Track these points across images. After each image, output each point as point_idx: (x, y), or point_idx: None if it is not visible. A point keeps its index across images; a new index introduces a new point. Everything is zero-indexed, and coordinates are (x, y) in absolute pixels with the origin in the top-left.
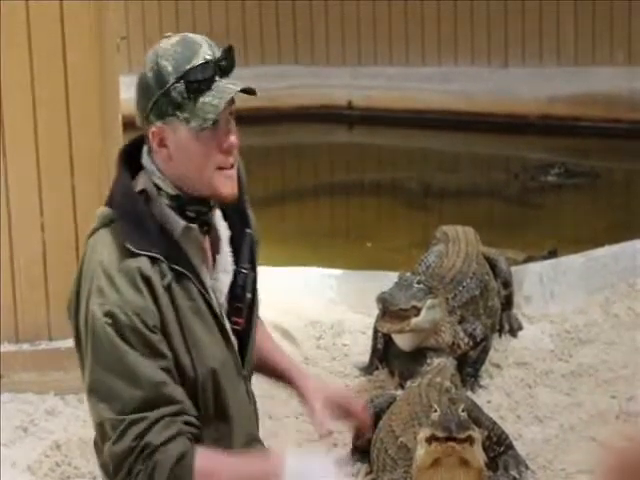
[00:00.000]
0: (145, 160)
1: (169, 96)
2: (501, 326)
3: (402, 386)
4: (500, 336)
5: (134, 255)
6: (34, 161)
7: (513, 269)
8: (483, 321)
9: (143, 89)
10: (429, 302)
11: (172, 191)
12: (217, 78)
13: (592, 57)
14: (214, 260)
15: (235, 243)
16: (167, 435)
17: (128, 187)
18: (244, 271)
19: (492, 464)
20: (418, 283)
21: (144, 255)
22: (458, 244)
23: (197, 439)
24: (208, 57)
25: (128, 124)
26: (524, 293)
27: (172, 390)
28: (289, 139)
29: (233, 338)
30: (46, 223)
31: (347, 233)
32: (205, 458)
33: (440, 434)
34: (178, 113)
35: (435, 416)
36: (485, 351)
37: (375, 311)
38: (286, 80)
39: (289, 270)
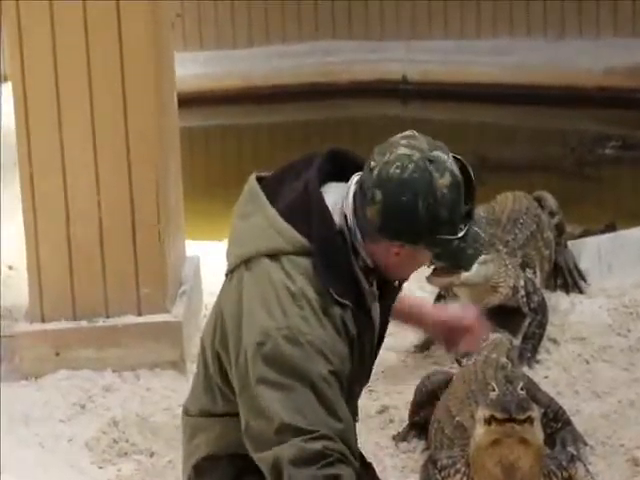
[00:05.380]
0: (352, 222)
1: (432, 240)
2: (565, 282)
3: (458, 362)
4: (568, 293)
5: (335, 301)
6: (90, 133)
7: (570, 243)
8: (542, 253)
9: (407, 214)
10: (481, 258)
11: (370, 263)
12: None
13: None
14: None
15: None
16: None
17: (330, 226)
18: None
19: (549, 440)
20: None
21: (342, 303)
22: (505, 194)
23: None
24: (466, 208)
25: (182, 101)
26: (581, 267)
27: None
28: (344, 114)
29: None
30: (102, 200)
31: None
32: None
33: (500, 415)
34: (432, 248)
35: (494, 395)
36: (542, 326)
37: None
38: (340, 55)
39: None
